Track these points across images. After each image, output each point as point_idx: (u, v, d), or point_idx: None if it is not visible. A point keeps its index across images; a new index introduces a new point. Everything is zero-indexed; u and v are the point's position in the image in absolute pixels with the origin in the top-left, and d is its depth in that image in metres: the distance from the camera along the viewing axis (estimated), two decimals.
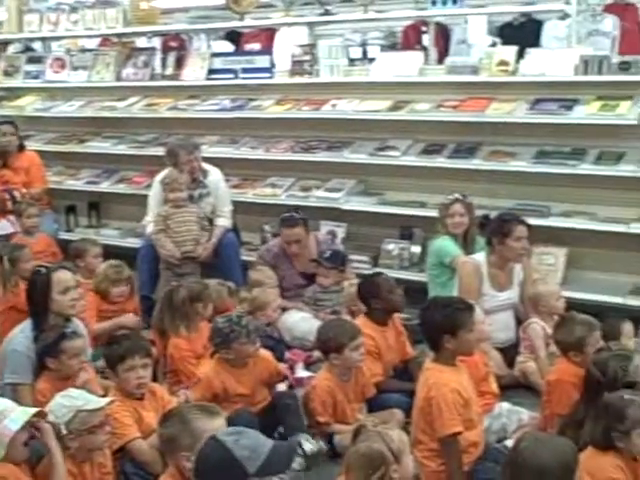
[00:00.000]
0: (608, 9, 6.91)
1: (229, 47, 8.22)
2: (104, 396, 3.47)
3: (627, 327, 4.04)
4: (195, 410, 2.95)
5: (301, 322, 5.01)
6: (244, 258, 6.02)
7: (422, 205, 5.88)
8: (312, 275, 5.37)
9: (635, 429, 2.82)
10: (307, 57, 6.33)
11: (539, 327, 4.44)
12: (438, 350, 3.42)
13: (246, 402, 3.86)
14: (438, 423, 3.28)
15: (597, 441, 2.90)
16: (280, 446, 2.43)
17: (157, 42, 8.51)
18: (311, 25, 6.84)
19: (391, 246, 6.00)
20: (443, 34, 7.47)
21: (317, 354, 4.52)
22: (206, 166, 6.03)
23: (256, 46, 8.08)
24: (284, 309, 5.15)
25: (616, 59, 5.42)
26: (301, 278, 5.43)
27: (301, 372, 4.48)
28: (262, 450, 2.32)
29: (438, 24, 6.95)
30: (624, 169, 5.25)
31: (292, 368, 4.48)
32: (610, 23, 6.74)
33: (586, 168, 5.36)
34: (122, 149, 7.26)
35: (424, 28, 6.94)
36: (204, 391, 3.84)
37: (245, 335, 3.85)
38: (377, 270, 5.75)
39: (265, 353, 4.08)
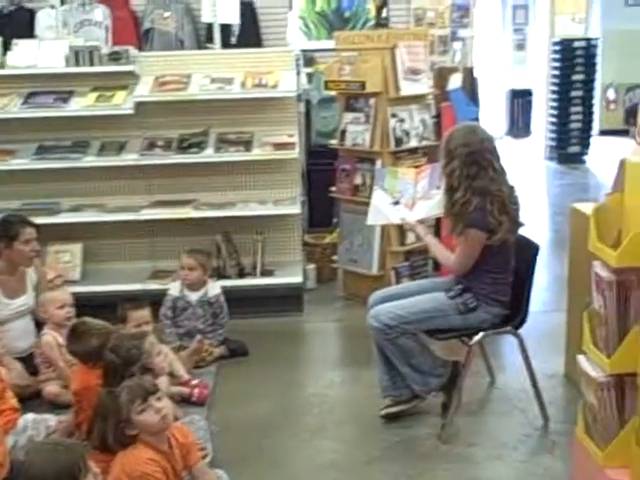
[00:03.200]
0: None
1: None
2: None
3: (140, 313, 4.08)
4: None
5: None
6: None
7: None
8: None
9: (131, 410, 2.83)
10: None
11: (51, 337, 4.19)
12: None
13: None
14: None
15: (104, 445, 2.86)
16: None
17: None
18: None
19: None
20: None
21: None
22: None
23: None
24: None
25: (108, 49, 5.44)
26: None
27: None
28: None
29: None
30: (127, 158, 5.31)
31: None
32: (100, 13, 6.77)
33: (90, 160, 5.30)
34: None
35: None
36: None
37: None
38: None
39: None
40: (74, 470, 2.36)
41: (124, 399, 2.84)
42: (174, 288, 4.82)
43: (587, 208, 3.66)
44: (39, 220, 4.72)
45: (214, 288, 4.84)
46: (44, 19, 6.64)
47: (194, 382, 4.15)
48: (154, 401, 2.85)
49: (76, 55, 5.27)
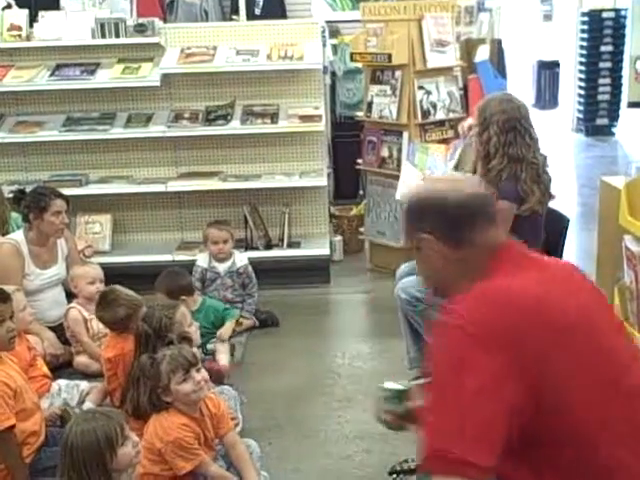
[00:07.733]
0: None
1: None
2: None
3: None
4: None
5: None
6: None
7: None
8: None
9: (172, 380, 2.87)
10: None
11: (76, 311, 4.24)
12: None
13: None
14: None
15: (145, 408, 2.91)
16: None
17: None
18: None
19: None
20: None
21: None
22: None
23: None
24: None
25: (132, 21, 5.43)
26: None
27: None
28: None
29: None
30: (154, 130, 5.33)
31: None
32: None
33: (118, 132, 5.34)
34: None
35: None
36: None
37: None
38: None
39: None
40: (112, 439, 2.39)
41: (165, 368, 2.87)
42: (202, 260, 4.85)
43: (617, 181, 3.62)
44: (68, 191, 4.76)
45: (241, 259, 4.87)
46: None
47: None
48: (194, 373, 2.89)
49: (102, 27, 5.27)
